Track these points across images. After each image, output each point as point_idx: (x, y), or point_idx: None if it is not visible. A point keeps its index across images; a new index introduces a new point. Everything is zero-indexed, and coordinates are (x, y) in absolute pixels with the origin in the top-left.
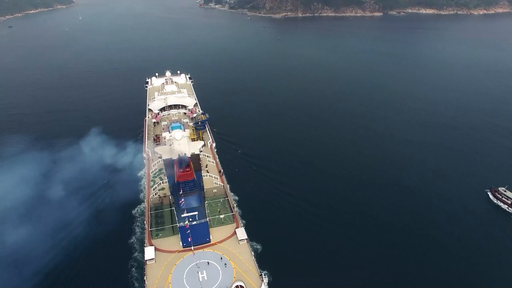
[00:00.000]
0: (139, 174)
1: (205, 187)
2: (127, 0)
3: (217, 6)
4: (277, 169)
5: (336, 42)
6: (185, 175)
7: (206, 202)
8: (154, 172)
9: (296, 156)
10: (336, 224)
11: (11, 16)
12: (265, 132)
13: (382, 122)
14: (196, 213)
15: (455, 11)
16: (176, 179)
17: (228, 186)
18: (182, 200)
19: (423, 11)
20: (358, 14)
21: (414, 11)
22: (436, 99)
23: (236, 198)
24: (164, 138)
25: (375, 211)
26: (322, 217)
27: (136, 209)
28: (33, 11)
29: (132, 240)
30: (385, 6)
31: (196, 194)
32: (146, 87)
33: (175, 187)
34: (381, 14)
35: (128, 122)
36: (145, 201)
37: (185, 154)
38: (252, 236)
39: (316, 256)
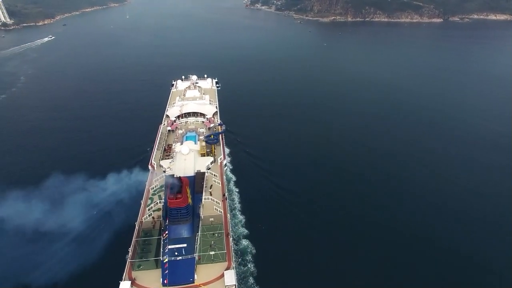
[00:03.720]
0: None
1: (203, 214)
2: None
3: (263, 7)
4: (313, 212)
5: (388, 52)
6: (175, 202)
7: (201, 232)
8: (154, 188)
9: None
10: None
11: (69, 14)
12: (305, 159)
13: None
14: (185, 245)
15: None
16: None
17: (229, 215)
18: (166, 233)
19: (492, 17)
20: (414, 20)
21: (481, 17)
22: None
23: (243, 232)
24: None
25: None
26: None
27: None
28: (89, 9)
29: None
30: (446, 12)
31: (189, 223)
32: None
33: (167, 212)
34: (441, 20)
35: (148, 126)
36: (136, 222)
37: (178, 176)
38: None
39: None
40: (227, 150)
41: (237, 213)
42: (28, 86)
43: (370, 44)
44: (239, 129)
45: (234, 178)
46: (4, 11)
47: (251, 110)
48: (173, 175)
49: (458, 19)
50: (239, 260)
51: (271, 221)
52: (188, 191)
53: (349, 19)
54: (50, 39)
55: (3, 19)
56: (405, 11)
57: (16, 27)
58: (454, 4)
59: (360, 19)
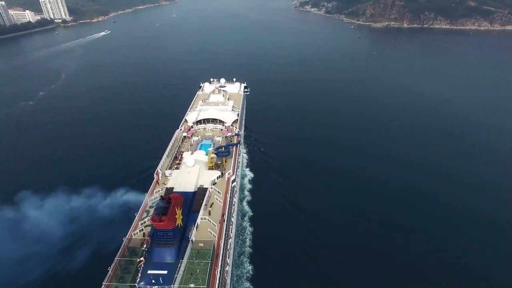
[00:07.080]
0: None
1: (195, 237)
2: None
3: (312, 9)
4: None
5: (451, 67)
6: (159, 225)
7: (187, 259)
8: (153, 200)
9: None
10: None
11: (123, 11)
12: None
13: None
14: (165, 272)
15: None
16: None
17: (223, 242)
18: (142, 259)
19: None
20: (481, 28)
21: None
22: None
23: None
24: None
25: None
26: None
27: None
28: (141, 7)
29: None
30: None
31: (174, 247)
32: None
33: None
34: None
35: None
36: (125, 237)
37: (168, 196)
38: None
39: None
40: (250, 174)
41: (245, 260)
42: (66, 83)
43: (428, 56)
44: (269, 140)
45: (250, 213)
46: (65, 8)
47: (285, 119)
48: (172, 188)
49: None
50: None
51: (290, 280)
52: (179, 211)
53: (405, 25)
54: (106, 33)
55: (63, 16)
56: (471, 17)
57: (74, 24)
58: None
59: (418, 26)
